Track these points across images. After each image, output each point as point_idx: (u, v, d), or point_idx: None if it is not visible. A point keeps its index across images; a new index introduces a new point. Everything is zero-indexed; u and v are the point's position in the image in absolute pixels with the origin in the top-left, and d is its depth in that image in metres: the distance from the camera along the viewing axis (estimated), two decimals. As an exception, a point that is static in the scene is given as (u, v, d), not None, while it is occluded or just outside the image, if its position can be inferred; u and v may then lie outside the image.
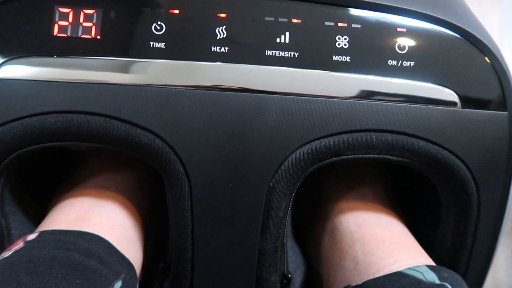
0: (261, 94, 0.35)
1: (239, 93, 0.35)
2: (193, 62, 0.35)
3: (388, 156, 0.36)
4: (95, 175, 0.43)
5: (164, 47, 0.35)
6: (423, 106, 0.36)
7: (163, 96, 0.34)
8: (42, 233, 0.33)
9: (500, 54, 0.38)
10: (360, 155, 0.36)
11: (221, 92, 0.35)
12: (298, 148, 0.35)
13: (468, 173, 0.37)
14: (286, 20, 0.36)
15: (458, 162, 0.36)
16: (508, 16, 0.93)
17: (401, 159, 0.37)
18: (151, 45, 0.35)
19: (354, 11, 0.36)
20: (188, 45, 0.35)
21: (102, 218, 0.37)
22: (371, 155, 0.36)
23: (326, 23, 0.36)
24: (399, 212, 0.43)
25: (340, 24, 0.36)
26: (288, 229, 0.46)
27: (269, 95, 0.35)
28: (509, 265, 0.81)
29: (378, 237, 0.38)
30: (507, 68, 0.37)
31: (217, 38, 0.35)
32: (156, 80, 0.35)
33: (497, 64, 0.37)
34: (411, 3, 0.37)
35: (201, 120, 0.34)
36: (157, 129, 0.34)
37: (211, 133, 0.35)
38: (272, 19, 0.36)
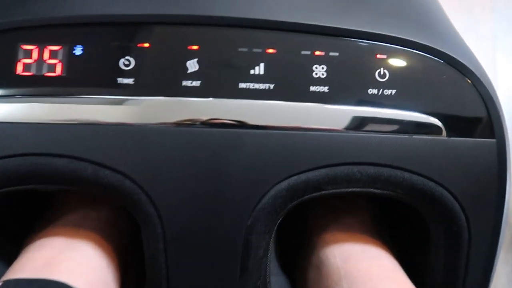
0: (235, 129, 0.33)
1: (212, 129, 0.33)
2: (163, 98, 0.33)
3: (371, 189, 0.35)
4: (70, 212, 0.41)
5: (132, 83, 0.33)
6: (406, 136, 0.34)
7: (132, 134, 0.33)
8: (6, 282, 0.32)
9: (487, 78, 0.36)
10: (342, 189, 0.34)
11: (193, 128, 0.33)
12: (275, 184, 0.33)
13: (456, 204, 0.35)
14: (260, 50, 0.34)
15: (446, 193, 0.35)
16: (500, 24, 0.92)
17: (385, 191, 0.35)
18: (118, 82, 0.33)
19: (331, 39, 0.35)
20: (158, 80, 0.33)
21: (72, 262, 0.35)
22: (354, 189, 0.35)
23: (303, 52, 0.34)
24: (388, 243, 0.41)
25: (317, 53, 0.34)
26: (274, 265, 0.44)
27: (244, 130, 0.33)
28: (509, 281, 0.78)
29: (366, 273, 0.36)
30: (494, 93, 0.35)
31: (188, 71, 0.34)
32: (124, 118, 0.33)
33: (483, 90, 0.35)
34: (390, 28, 0.35)
35: (173, 158, 0.33)
36: (126, 170, 0.33)
37: (183, 172, 0.33)
38: (246, 49, 0.34)
